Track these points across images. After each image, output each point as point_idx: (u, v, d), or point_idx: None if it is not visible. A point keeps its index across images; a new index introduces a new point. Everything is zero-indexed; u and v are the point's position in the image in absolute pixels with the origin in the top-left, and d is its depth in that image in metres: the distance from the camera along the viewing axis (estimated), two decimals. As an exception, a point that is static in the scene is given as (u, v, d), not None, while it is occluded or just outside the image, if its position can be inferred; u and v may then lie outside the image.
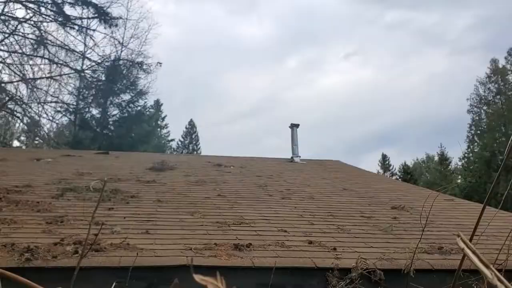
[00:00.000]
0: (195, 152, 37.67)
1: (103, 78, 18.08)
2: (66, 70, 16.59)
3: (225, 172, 6.71)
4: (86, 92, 18.90)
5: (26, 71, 15.14)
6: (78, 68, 17.24)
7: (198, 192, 5.02)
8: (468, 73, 56.25)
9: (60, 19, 14.83)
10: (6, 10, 13.87)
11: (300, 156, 8.57)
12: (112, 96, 18.96)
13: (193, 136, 40.35)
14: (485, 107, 32.36)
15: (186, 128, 40.48)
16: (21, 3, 13.86)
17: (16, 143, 23.21)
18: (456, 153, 38.67)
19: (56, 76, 16.29)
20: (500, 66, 32.37)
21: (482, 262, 0.47)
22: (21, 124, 16.48)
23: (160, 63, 18.84)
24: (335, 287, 2.63)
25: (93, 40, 16.20)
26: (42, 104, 15.92)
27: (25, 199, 4.01)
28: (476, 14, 54.35)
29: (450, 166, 36.85)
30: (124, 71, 19.04)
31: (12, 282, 0.46)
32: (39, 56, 14.94)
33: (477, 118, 32.86)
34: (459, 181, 32.12)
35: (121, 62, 18.81)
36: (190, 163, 7.51)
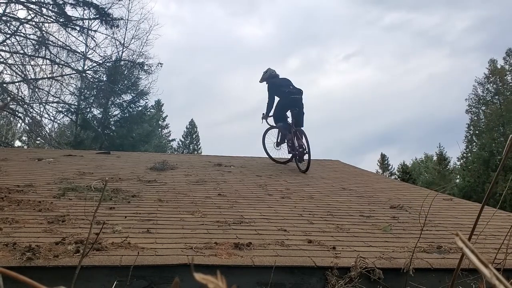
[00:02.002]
0: (195, 152, 37.67)
1: (105, 79, 18.10)
2: (67, 70, 16.65)
3: (225, 171, 6.73)
4: (88, 93, 18.93)
5: (28, 71, 15.19)
6: (80, 68, 17.29)
7: (198, 191, 5.04)
8: (468, 73, 56.30)
9: (61, 20, 14.84)
10: (7, 11, 13.91)
11: (300, 156, 8.59)
12: (113, 97, 18.98)
13: (194, 136, 40.37)
14: (483, 107, 32.34)
15: (186, 128, 40.51)
16: (22, 4, 13.89)
17: (17, 143, 23.27)
18: (455, 153, 38.72)
19: (58, 76, 16.33)
20: (499, 66, 32.36)
21: (480, 261, 0.47)
22: (23, 124, 16.48)
23: (161, 64, 18.91)
24: (334, 286, 2.65)
25: (94, 41, 16.25)
26: (44, 104, 15.97)
27: (26, 199, 4.04)
28: (475, 15, 54.34)
29: (448, 166, 36.87)
30: (125, 72, 19.07)
31: (13, 281, 0.47)
32: (41, 57, 14.97)
33: (475, 118, 32.85)
34: (457, 181, 32.09)
35: (122, 62, 18.87)
36: (190, 162, 7.53)
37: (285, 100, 7.33)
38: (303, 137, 6.99)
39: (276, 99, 7.50)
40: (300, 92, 7.30)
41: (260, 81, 7.77)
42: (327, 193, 5.52)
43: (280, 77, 7.67)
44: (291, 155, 7.39)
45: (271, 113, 7.56)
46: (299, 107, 7.24)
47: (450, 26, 59.15)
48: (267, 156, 7.88)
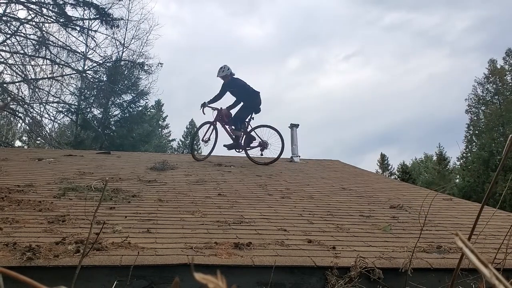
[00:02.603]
0: (195, 152, 37.64)
1: (105, 79, 18.11)
2: (67, 70, 16.65)
3: (225, 171, 6.74)
4: (88, 93, 18.93)
5: (28, 71, 15.19)
6: (80, 68, 17.29)
7: (198, 191, 5.04)
8: (468, 73, 56.39)
9: (61, 20, 14.84)
10: (8, 11, 13.90)
11: (299, 156, 8.59)
12: (114, 97, 18.97)
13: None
14: (483, 107, 32.35)
15: (187, 128, 40.48)
16: (22, 4, 13.88)
17: (18, 143, 23.26)
18: (455, 153, 38.76)
19: (58, 76, 16.33)
20: (499, 66, 32.36)
21: (480, 261, 0.46)
22: (23, 124, 16.46)
23: (161, 64, 18.91)
24: (334, 285, 2.65)
25: (94, 41, 16.26)
26: (44, 104, 15.96)
27: (27, 199, 4.04)
28: (475, 15, 54.41)
29: (448, 166, 36.89)
30: (126, 72, 19.06)
31: (14, 281, 0.47)
32: (41, 57, 14.97)
33: (475, 118, 32.86)
34: (457, 180, 32.09)
35: (122, 62, 18.85)
36: (190, 162, 7.54)
37: (255, 100, 7.51)
38: (278, 133, 7.49)
39: (232, 98, 7.61)
40: None
41: (219, 76, 7.58)
42: (327, 193, 5.52)
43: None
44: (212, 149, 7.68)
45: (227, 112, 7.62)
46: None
47: (450, 26, 59.27)
48: (191, 152, 7.97)
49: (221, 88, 7.61)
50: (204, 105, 7.55)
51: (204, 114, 7.60)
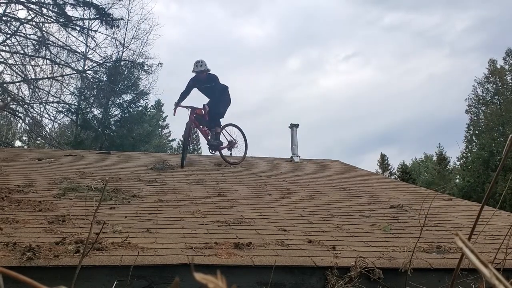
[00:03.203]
0: (195, 152, 37.67)
1: (105, 79, 18.10)
2: (67, 70, 16.64)
3: (225, 171, 6.74)
4: (88, 93, 18.92)
5: (28, 71, 15.18)
6: (80, 68, 17.29)
7: (198, 191, 5.04)
8: (468, 73, 56.43)
9: (61, 20, 14.83)
10: (8, 11, 13.90)
11: (299, 156, 8.59)
12: (114, 97, 18.95)
13: (194, 136, 40.32)
14: (483, 108, 32.37)
15: (187, 128, 40.43)
16: (22, 4, 13.88)
17: (18, 143, 23.25)
18: (455, 153, 38.83)
19: (58, 76, 16.32)
20: (498, 66, 32.38)
21: (480, 261, 0.46)
22: (23, 124, 16.45)
23: (161, 64, 18.90)
24: (334, 285, 2.65)
25: (94, 41, 16.25)
26: (44, 104, 15.96)
27: (27, 199, 4.04)
28: (475, 15, 54.44)
29: (448, 166, 36.92)
30: (126, 72, 19.04)
31: (14, 281, 0.47)
32: (41, 57, 14.95)
33: (475, 118, 32.90)
34: (457, 180, 32.10)
35: (122, 62, 18.83)
36: (190, 162, 7.54)
37: (228, 96, 7.40)
38: (239, 130, 7.51)
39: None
40: None
41: (195, 71, 7.22)
42: (327, 193, 5.52)
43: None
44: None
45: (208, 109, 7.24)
46: None
47: (450, 26, 59.34)
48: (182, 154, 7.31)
49: (188, 83, 7.30)
50: (176, 104, 7.15)
51: (174, 115, 7.35)
